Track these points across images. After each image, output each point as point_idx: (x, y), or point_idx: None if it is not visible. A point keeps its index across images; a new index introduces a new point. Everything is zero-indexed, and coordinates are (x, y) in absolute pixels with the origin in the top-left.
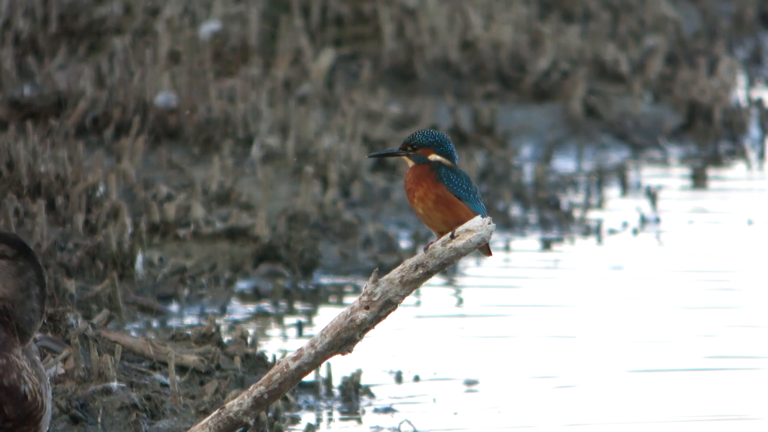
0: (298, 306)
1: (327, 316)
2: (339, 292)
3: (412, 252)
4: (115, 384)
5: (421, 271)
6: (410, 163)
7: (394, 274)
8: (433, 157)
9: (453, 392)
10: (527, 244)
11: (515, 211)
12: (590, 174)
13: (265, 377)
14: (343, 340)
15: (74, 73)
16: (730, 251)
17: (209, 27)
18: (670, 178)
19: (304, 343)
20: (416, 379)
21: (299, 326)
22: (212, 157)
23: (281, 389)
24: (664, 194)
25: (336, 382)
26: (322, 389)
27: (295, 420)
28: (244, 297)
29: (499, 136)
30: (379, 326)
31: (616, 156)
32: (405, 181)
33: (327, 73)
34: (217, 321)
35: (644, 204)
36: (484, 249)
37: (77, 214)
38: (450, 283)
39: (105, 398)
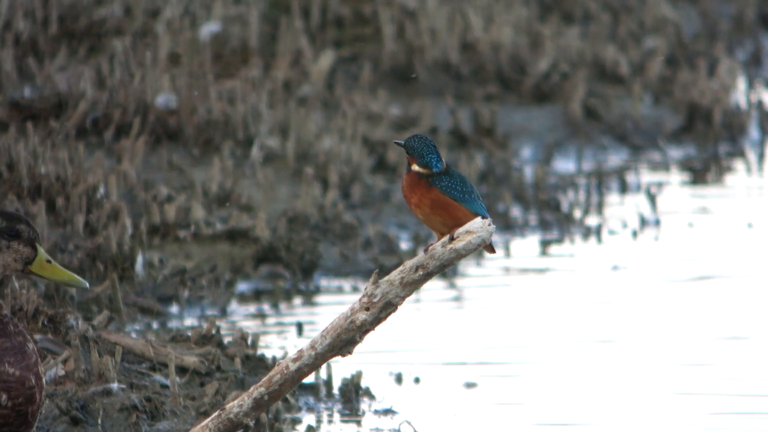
0: (299, 307)
1: (327, 318)
2: (339, 294)
3: (413, 253)
4: (115, 385)
5: (421, 273)
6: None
7: (395, 275)
8: (415, 167)
9: (453, 393)
10: (527, 245)
11: (515, 212)
12: (590, 175)
13: (265, 378)
14: (344, 341)
15: (74, 75)
16: (730, 253)
17: (209, 28)
18: (669, 179)
19: (304, 344)
20: (416, 380)
21: (299, 327)
22: (212, 159)
23: (281, 390)
24: (663, 196)
25: (336, 383)
26: (323, 391)
27: (296, 421)
28: (244, 298)
29: (499, 137)
30: (379, 328)
31: (615, 157)
32: (401, 188)
33: (327, 75)
34: (218, 322)
35: (644, 205)
36: (487, 246)
37: (77, 216)
38: (450, 284)
39: (105, 399)
